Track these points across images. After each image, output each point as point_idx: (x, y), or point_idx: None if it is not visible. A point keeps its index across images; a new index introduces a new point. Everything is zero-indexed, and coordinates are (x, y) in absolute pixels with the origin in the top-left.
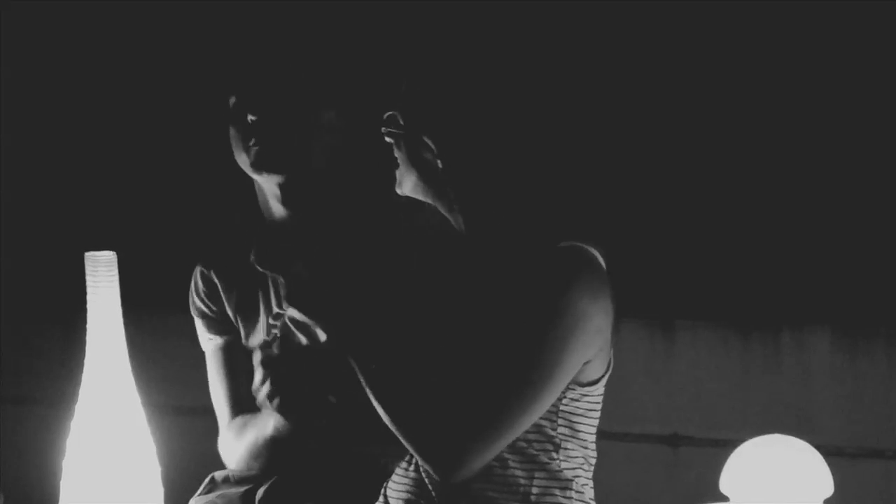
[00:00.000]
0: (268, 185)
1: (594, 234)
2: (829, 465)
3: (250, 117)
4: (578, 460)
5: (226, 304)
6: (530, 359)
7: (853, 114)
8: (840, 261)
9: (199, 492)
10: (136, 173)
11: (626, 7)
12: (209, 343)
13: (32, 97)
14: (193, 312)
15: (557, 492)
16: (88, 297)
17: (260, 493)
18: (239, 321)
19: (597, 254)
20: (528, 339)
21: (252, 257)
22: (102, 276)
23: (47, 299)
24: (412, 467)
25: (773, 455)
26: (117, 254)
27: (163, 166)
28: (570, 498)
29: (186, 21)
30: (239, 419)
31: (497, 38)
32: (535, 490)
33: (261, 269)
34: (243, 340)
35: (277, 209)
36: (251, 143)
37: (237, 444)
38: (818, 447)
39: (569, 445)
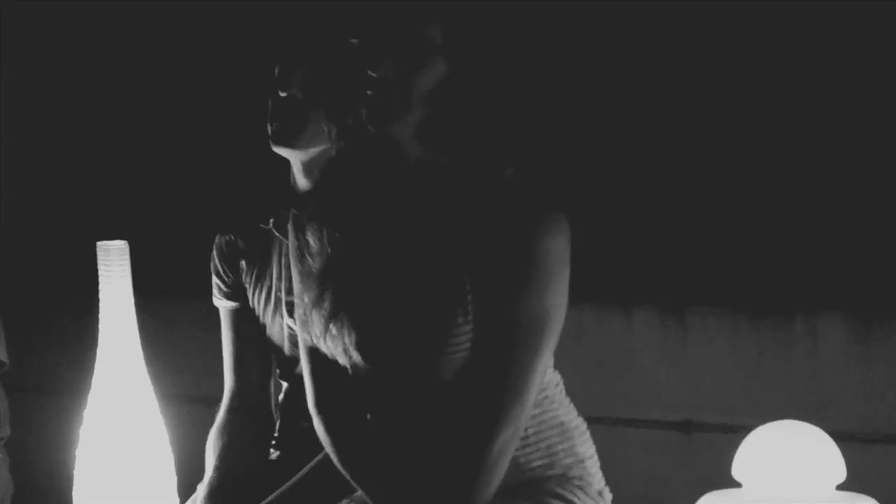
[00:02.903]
0: (291, 160)
1: (605, 221)
2: (842, 450)
3: (280, 93)
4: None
5: (244, 268)
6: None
7: (865, 100)
8: (853, 246)
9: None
10: (146, 163)
11: None
12: (218, 303)
13: (40, 89)
14: (211, 269)
15: (554, 434)
16: (101, 287)
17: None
18: (250, 285)
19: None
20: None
21: (270, 222)
22: (115, 266)
23: (60, 289)
24: None
25: (785, 441)
26: (129, 243)
27: (172, 155)
28: (571, 438)
29: (193, 14)
30: (226, 414)
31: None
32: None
33: (277, 233)
34: (250, 303)
35: (301, 181)
36: (275, 118)
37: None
38: (831, 433)
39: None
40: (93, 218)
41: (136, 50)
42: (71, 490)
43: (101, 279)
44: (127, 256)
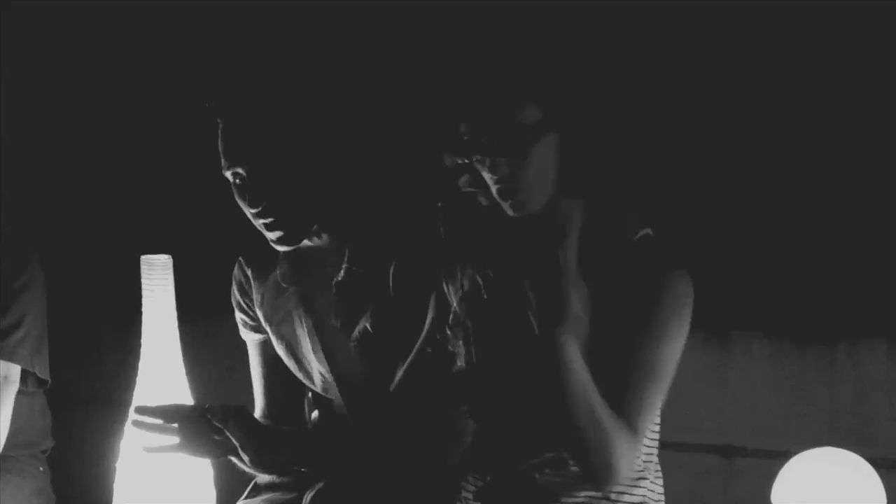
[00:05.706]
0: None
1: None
2: (885, 477)
3: (251, 210)
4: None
5: (256, 306)
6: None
7: None
8: None
9: (243, 496)
10: (190, 178)
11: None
12: (245, 336)
13: (77, 100)
14: (233, 304)
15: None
16: (144, 300)
17: (306, 500)
18: (266, 325)
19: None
20: (646, 347)
21: (278, 273)
22: (158, 279)
23: (103, 301)
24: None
25: (824, 468)
26: (172, 257)
27: (216, 170)
28: (645, 487)
29: (201, 17)
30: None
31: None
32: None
33: (284, 286)
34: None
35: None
36: (263, 224)
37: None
38: (873, 460)
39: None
40: (136, 231)
41: (163, 53)
42: (111, 503)
43: (144, 293)
44: (170, 271)
